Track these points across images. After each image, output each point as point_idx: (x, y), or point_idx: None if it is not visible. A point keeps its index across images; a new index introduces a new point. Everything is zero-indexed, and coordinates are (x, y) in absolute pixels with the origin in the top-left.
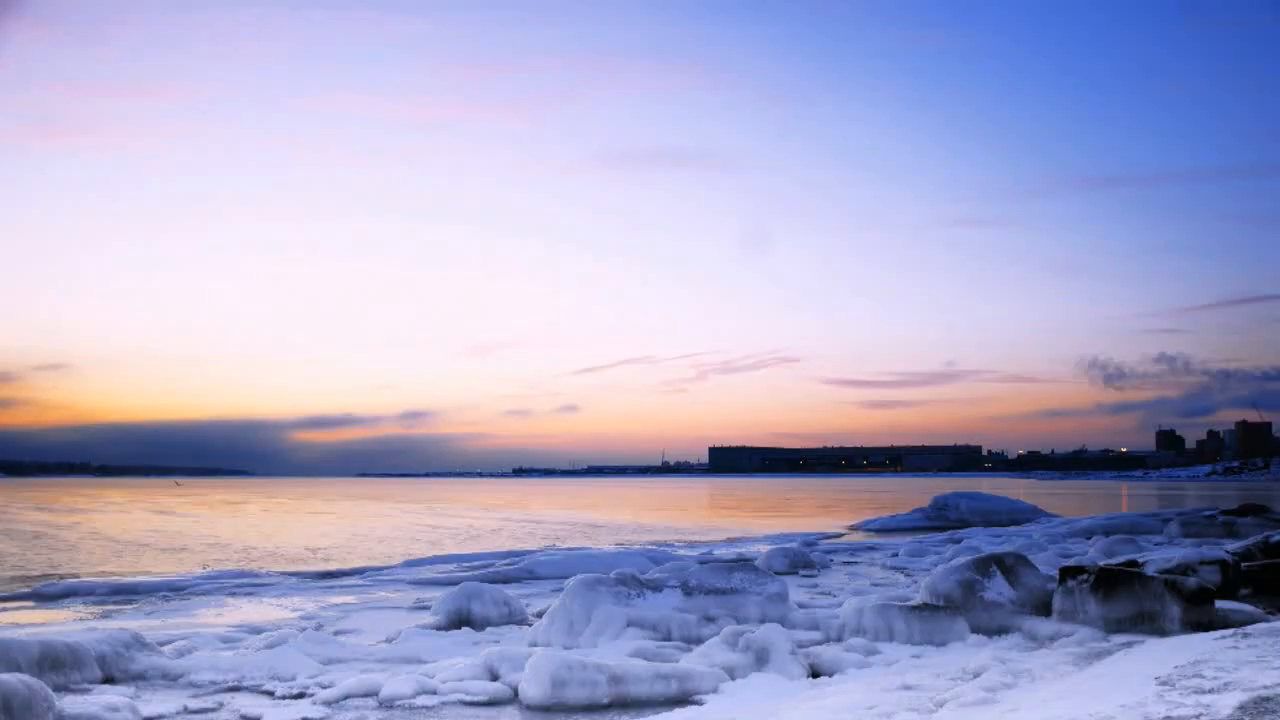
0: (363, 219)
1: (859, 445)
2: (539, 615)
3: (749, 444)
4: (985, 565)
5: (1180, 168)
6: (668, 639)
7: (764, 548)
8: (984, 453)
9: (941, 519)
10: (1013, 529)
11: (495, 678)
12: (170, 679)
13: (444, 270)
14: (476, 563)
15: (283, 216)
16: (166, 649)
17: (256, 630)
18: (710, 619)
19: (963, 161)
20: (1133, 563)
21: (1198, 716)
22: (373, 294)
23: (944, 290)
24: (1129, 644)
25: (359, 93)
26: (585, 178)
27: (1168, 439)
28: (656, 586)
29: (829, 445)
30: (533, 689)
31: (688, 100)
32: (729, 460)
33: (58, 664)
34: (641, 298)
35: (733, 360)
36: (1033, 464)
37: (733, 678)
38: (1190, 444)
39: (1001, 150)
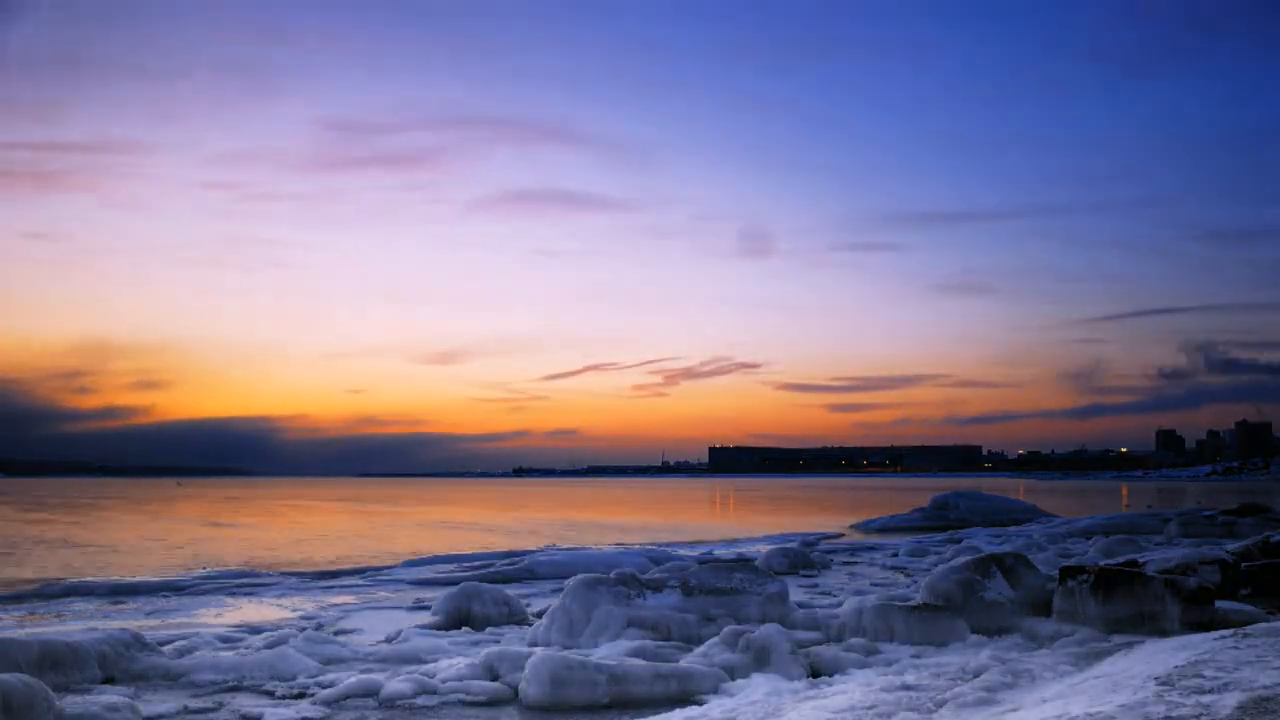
0: (356, 227)
1: (859, 445)
2: (539, 615)
3: (746, 444)
4: (985, 565)
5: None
6: (668, 639)
7: (764, 548)
8: (984, 453)
9: (941, 519)
10: (1013, 529)
11: (495, 678)
12: (170, 679)
13: (433, 276)
14: (476, 563)
15: (279, 221)
16: (167, 649)
17: (256, 630)
18: (710, 619)
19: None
20: (1133, 563)
21: (1198, 716)
22: (371, 299)
23: (905, 300)
24: (1129, 644)
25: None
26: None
27: (1167, 439)
28: (656, 586)
29: (829, 445)
30: (533, 689)
31: (557, 151)
32: (729, 460)
33: (58, 664)
34: (601, 310)
35: (693, 367)
36: (1033, 464)
37: (733, 678)
38: (1190, 444)
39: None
